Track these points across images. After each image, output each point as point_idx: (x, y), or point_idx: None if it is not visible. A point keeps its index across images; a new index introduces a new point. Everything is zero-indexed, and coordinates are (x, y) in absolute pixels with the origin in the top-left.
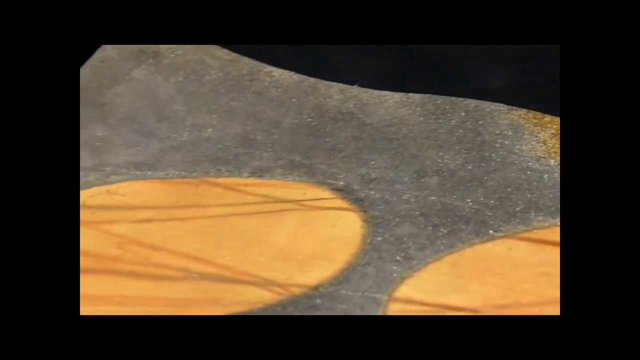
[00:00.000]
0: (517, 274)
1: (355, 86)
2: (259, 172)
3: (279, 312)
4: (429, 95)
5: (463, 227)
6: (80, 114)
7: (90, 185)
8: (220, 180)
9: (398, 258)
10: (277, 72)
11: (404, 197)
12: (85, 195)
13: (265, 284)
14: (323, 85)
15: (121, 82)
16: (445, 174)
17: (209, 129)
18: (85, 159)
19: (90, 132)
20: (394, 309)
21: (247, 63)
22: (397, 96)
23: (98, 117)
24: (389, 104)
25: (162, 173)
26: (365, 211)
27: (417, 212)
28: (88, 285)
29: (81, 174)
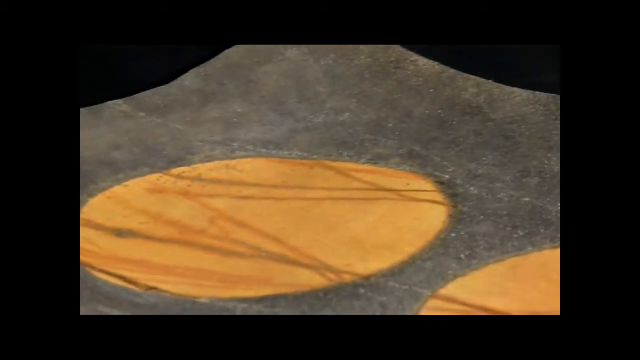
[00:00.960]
0: None
1: (490, 81)
2: (377, 160)
3: (320, 297)
4: (553, 95)
5: (542, 230)
6: (226, 89)
7: (213, 159)
8: (337, 164)
9: (462, 256)
10: (422, 61)
11: (498, 196)
12: (203, 169)
13: (322, 269)
14: (461, 77)
15: (273, 61)
16: (547, 175)
17: (346, 114)
18: (217, 133)
19: (231, 107)
20: (431, 306)
21: (396, 50)
22: (525, 94)
23: (242, 93)
24: (515, 101)
25: (286, 152)
26: (455, 206)
27: (505, 212)
28: (159, 254)
29: (208, 147)
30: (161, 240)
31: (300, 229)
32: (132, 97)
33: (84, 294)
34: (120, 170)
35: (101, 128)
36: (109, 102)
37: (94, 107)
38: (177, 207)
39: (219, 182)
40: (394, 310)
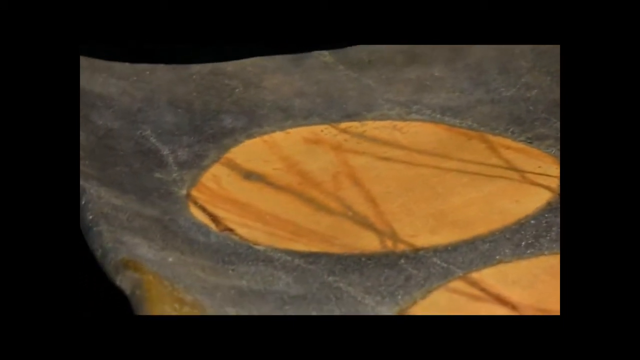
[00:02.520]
0: None
1: None
2: (533, 139)
3: (359, 261)
4: None
5: None
6: (433, 52)
7: (386, 118)
8: (495, 138)
9: (523, 243)
10: None
11: None
12: (370, 126)
13: (387, 236)
14: None
15: None
16: None
17: (535, 90)
18: (404, 94)
19: (430, 70)
20: (451, 287)
21: None
22: None
23: (448, 58)
24: None
25: (458, 121)
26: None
27: None
28: (264, 199)
29: (387, 106)
30: (278, 187)
31: (400, 195)
32: (339, 50)
33: (161, 223)
34: (292, 117)
35: (295, 75)
36: (315, 52)
37: (299, 54)
38: (318, 159)
39: (374, 140)
40: (415, 284)
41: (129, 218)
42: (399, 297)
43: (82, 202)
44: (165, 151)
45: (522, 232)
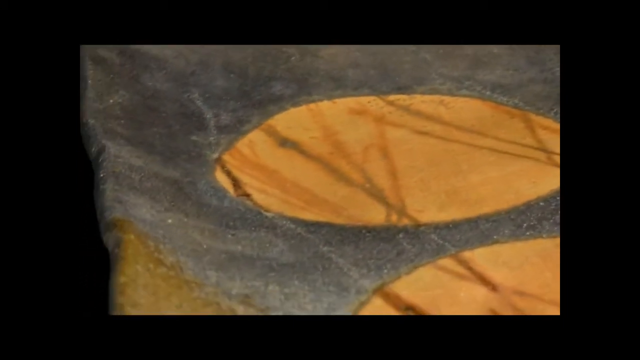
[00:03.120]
0: None
1: None
2: None
3: (359, 234)
4: None
5: None
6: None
7: (435, 92)
8: (537, 118)
9: (526, 224)
10: None
11: None
12: (417, 100)
13: (396, 210)
14: None
15: None
16: None
17: None
18: (458, 69)
19: (489, 47)
20: (440, 264)
21: None
22: None
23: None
24: None
25: (505, 99)
26: None
27: None
28: (292, 168)
29: (439, 81)
30: (309, 156)
31: (423, 170)
32: None
33: (177, 185)
34: (342, 87)
35: (352, 46)
36: None
37: None
38: (357, 130)
39: (417, 114)
40: (405, 259)
41: (142, 178)
42: (385, 271)
43: (99, 160)
44: (208, 115)
45: (528, 214)
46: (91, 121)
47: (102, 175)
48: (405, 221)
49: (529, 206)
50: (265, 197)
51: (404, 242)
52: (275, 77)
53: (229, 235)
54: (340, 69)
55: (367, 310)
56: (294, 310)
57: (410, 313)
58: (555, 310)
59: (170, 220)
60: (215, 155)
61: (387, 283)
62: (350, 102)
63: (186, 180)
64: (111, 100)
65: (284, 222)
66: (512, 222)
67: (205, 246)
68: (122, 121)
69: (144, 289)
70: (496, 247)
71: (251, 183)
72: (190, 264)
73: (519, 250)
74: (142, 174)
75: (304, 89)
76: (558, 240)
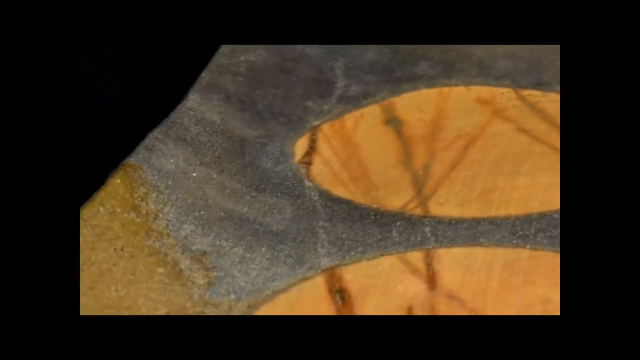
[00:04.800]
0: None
1: None
2: None
3: (367, 216)
4: None
5: None
6: None
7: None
8: None
9: (520, 233)
10: None
11: None
12: (548, 98)
13: (423, 198)
14: None
15: None
16: None
17: None
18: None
19: None
20: (405, 256)
21: None
22: None
23: None
24: None
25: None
26: None
27: None
28: (373, 143)
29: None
30: (399, 136)
31: (483, 166)
32: None
33: (240, 144)
34: (484, 75)
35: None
36: None
37: None
38: (466, 118)
39: (538, 112)
40: (380, 246)
41: (202, 132)
42: (352, 253)
43: (174, 111)
44: (340, 84)
45: (532, 224)
46: (204, 74)
47: (160, 126)
48: (417, 211)
49: (540, 216)
50: (322, 168)
51: (394, 229)
52: (426, 57)
53: (248, 197)
54: (493, 57)
55: (302, 287)
56: (235, 273)
57: (339, 296)
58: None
59: (195, 174)
60: (316, 123)
61: (342, 265)
62: (484, 90)
63: (258, 141)
64: (242, 58)
65: (312, 193)
66: (511, 229)
67: (209, 201)
68: (240, 78)
69: (92, 229)
70: (472, 250)
71: (324, 153)
72: (172, 215)
73: (489, 256)
74: (207, 129)
75: (446, 72)
76: (535, 253)
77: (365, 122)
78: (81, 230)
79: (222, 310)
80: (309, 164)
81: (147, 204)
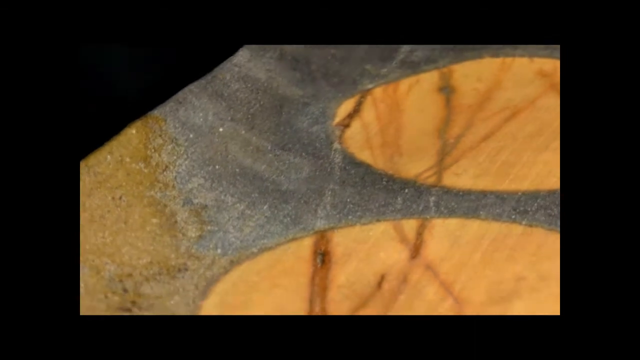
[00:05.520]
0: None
1: None
2: None
3: (380, 182)
4: None
5: None
6: None
7: None
8: None
9: (521, 209)
10: None
11: None
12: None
13: (442, 167)
14: None
15: None
16: None
17: None
18: None
19: None
20: (397, 224)
21: None
22: None
23: None
24: None
25: None
26: None
27: None
28: (417, 110)
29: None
30: (446, 105)
31: (515, 139)
32: None
33: (279, 102)
34: (552, 48)
35: None
36: None
37: None
38: (519, 90)
39: None
40: (379, 212)
41: (242, 88)
42: (350, 217)
43: (225, 63)
44: (405, 48)
45: (537, 200)
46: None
47: (199, 80)
48: (430, 180)
49: (549, 194)
50: (357, 132)
51: (399, 197)
52: None
53: (270, 155)
54: None
55: (288, 247)
56: (229, 229)
57: (320, 258)
58: (436, 291)
59: (221, 129)
60: (370, 87)
61: (336, 228)
62: (547, 63)
63: (302, 101)
64: None
65: (337, 155)
66: (514, 204)
67: (228, 157)
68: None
69: (94, 175)
70: (467, 222)
71: (366, 117)
72: (183, 167)
73: (482, 230)
74: (249, 85)
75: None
76: (529, 230)
77: (419, 88)
78: (82, 177)
79: (204, 264)
80: (346, 126)
81: (159, 155)
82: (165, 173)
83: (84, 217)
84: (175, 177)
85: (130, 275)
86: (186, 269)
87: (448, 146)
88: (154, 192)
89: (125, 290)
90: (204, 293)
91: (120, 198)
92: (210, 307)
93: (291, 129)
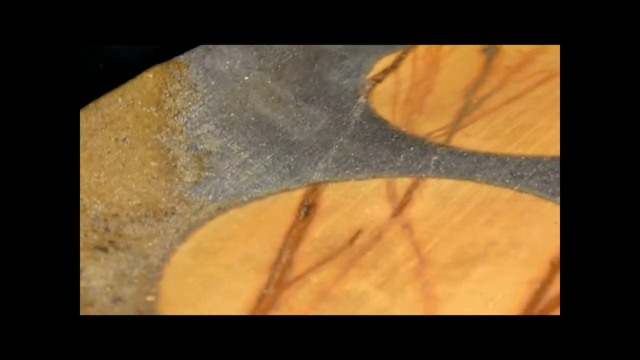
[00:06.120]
0: None
1: None
2: None
3: (391, 139)
4: None
5: None
6: None
7: None
8: None
9: (518, 174)
10: None
11: None
12: None
13: (455, 128)
14: None
15: None
16: None
17: None
18: None
19: None
20: (393, 181)
21: None
22: None
23: None
24: None
25: None
26: None
27: None
28: (454, 71)
29: None
30: (487, 65)
31: (539, 101)
32: None
33: (315, 56)
34: None
35: None
36: None
37: None
38: None
39: None
40: (378, 169)
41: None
42: (347, 171)
43: None
44: None
45: (536, 166)
46: None
47: None
48: (440, 139)
49: (550, 160)
50: (388, 87)
51: (403, 154)
52: None
53: (291, 106)
54: None
55: (278, 198)
56: (227, 176)
57: (304, 210)
58: (405, 250)
59: (246, 78)
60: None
61: (330, 181)
62: None
63: (339, 54)
64: None
65: (357, 110)
66: (513, 168)
67: (247, 105)
68: None
69: (102, 117)
70: (460, 183)
71: (402, 73)
72: (196, 113)
73: (472, 192)
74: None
75: None
76: (518, 195)
77: (462, 48)
78: (89, 117)
79: (192, 209)
80: (378, 81)
81: (174, 100)
82: (176, 118)
83: (82, 156)
84: (186, 123)
85: (116, 215)
86: (173, 213)
87: (470, 106)
88: (160, 136)
89: (107, 230)
90: (183, 237)
91: (124, 140)
92: (186, 251)
93: (320, 81)
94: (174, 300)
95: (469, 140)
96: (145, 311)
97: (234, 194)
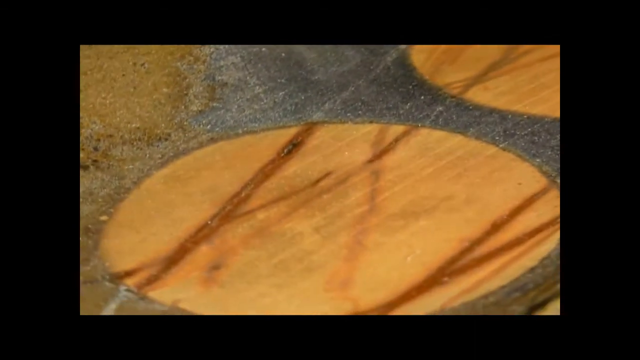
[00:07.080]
0: None
1: None
2: None
3: (408, 87)
4: None
5: None
6: None
7: None
8: None
9: (510, 132)
10: None
11: None
12: None
13: (478, 82)
14: None
15: None
16: None
17: None
18: None
19: None
20: (392, 128)
21: None
22: None
23: None
24: None
25: None
26: None
27: None
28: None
29: None
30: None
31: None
32: None
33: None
34: None
35: None
36: None
37: None
38: None
39: None
40: (390, 115)
41: None
42: (348, 114)
43: None
44: None
45: (533, 126)
46: None
47: None
48: (455, 90)
49: (551, 121)
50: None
51: (410, 102)
52: None
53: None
54: None
55: (269, 133)
56: (232, 108)
57: (289, 148)
58: (361, 196)
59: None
60: None
61: (327, 123)
62: None
63: None
64: None
65: (394, 54)
66: (510, 126)
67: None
68: None
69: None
70: (449, 136)
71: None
72: (226, 45)
73: (457, 145)
74: None
75: None
76: (499, 153)
77: None
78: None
79: (185, 137)
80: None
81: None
82: (202, 48)
83: (95, 76)
84: (212, 53)
85: (110, 136)
86: (166, 139)
87: (504, 61)
88: (181, 64)
89: (95, 149)
90: (164, 164)
91: (143, 65)
92: (159, 177)
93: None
94: (124, 222)
95: (484, 94)
96: (92, 229)
97: (231, 126)
